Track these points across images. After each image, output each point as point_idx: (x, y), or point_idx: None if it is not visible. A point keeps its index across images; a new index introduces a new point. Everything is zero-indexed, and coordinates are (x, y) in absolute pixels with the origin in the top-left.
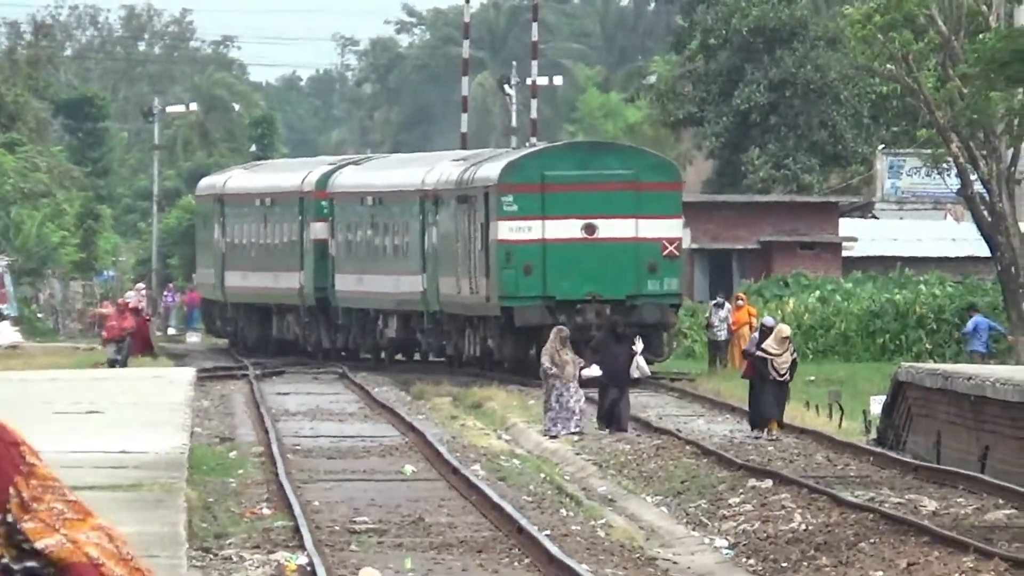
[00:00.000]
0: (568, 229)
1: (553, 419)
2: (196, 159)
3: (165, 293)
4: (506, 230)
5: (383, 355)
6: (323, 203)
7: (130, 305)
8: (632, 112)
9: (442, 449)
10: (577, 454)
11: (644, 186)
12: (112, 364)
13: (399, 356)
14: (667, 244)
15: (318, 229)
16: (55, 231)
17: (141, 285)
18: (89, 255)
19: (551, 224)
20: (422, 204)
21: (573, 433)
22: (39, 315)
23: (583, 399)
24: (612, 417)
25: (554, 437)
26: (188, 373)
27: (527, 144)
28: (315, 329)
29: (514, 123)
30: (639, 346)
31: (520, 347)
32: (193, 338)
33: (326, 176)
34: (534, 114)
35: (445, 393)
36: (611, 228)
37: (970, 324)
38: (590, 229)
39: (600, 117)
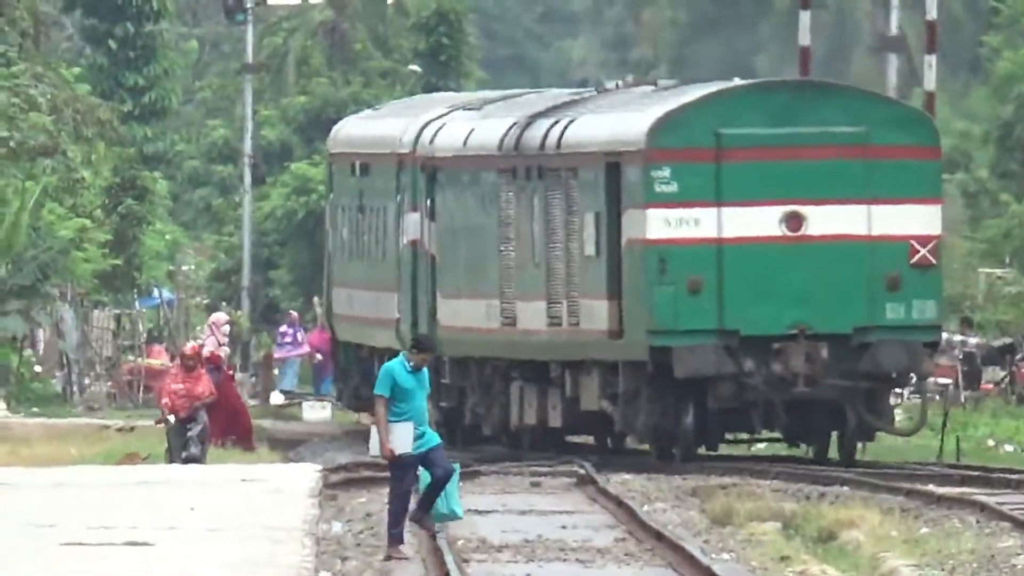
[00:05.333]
0: (760, 222)
1: None
2: (319, 90)
3: (284, 330)
4: (660, 224)
5: None
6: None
7: (205, 353)
8: None
9: None
10: None
11: (881, 152)
12: (181, 460)
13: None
14: (918, 246)
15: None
16: (66, 218)
17: (221, 316)
18: (128, 262)
19: (732, 214)
20: (398, 176)
21: None
22: (36, 368)
23: None
24: None
25: None
26: (308, 475)
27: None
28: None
29: (894, 28)
30: None
31: (668, 413)
32: (317, 412)
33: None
34: (932, 13)
35: (768, 514)
36: (828, 220)
37: None
38: (795, 222)
39: None
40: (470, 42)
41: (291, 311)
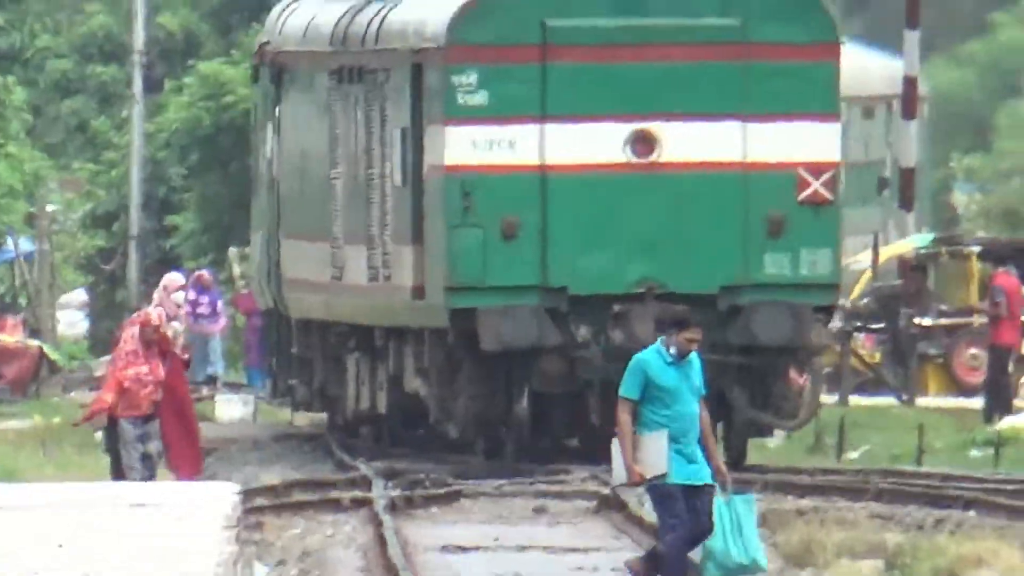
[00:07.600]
0: (598, 145)
1: None
2: None
3: (194, 298)
4: (465, 145)
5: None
6: None
7: (156, 324)
8: None
9: None
10: None
11: (760, 51)
12: (141, 474)
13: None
14: (809, 176)
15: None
16: None
17: (176, 279)
18: None
19: (560, 134)
20: (258, 79)
21: None
22: None
23: None
24: None
25: None
26: (222, 498)
27: None
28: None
29: None
30: None
31: (488, 398)
32: (235, 408)
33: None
34: None
35: (865, 549)
36: (689, 142)
37: None
38: (644, 144)
39: None
40: None
41: (201, 271)
